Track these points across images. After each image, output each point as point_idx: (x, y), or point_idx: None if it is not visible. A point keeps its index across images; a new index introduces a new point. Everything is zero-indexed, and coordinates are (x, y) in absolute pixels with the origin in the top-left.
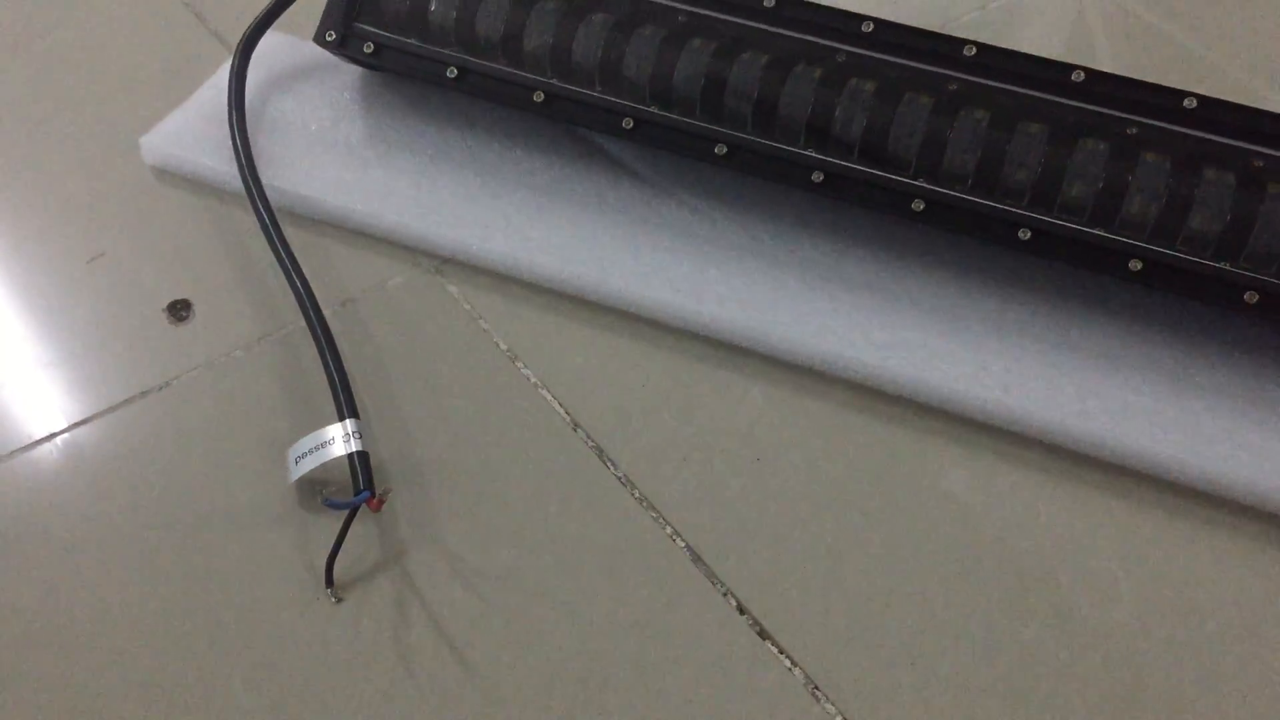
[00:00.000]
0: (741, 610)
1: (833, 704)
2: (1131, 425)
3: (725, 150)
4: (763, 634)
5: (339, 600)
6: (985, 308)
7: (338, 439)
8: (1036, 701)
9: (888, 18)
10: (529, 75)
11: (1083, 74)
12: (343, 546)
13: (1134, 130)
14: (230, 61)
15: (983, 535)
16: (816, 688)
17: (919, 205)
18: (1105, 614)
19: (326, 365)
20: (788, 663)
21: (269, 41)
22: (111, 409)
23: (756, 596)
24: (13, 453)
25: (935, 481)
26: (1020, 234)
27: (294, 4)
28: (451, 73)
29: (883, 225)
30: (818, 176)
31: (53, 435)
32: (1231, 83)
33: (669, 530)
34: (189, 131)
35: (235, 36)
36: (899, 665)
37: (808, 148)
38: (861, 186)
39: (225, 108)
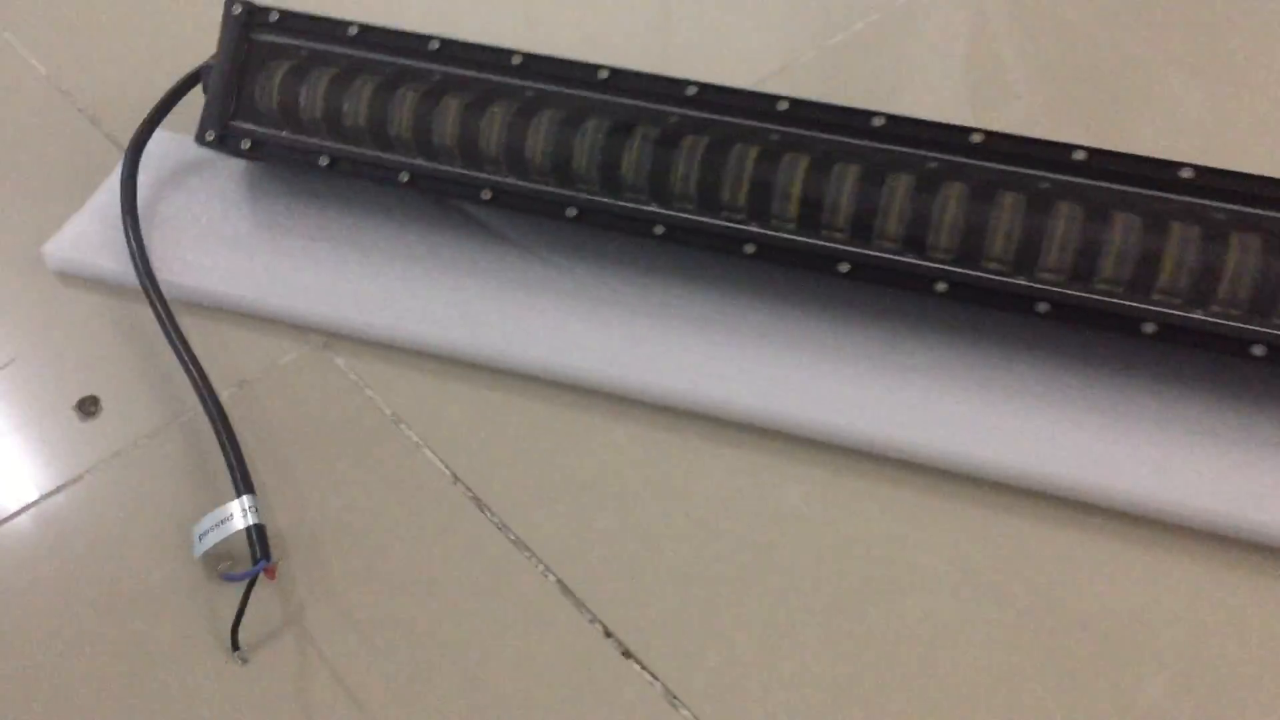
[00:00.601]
0: (607, 634)
1: (688, 709)
2: (946, 431)
3: (576, 212)
4: (626, 653)
5: (245, 662)
6: (821, 335)
7: (236, 514)
8: (870, 688)
9: (707, 79)
10: (394, 157)
11: (883, 119)
12: (246, 611)
13: (933, 164)
14: (119, 170)
15: (822, 545)
16: (675, 697)
17: (750, 248)
18: (929, 601)
19: (223, 445)
20: (649, 677)
21: (158, 139)
22: (31, 504)
23: (620, 620)
24: None
25: (778, 500)
26: (840, 267)
27: (179, 103)
28: (324, 161)
29: (724, 267)
30: (659, 229)
31: None
32: (1037, 126)
33: (541, 568)
34: (88, 236)
35: (128, 137)
36: (749, 670)
37: (649, 204)
38: (699, 235)
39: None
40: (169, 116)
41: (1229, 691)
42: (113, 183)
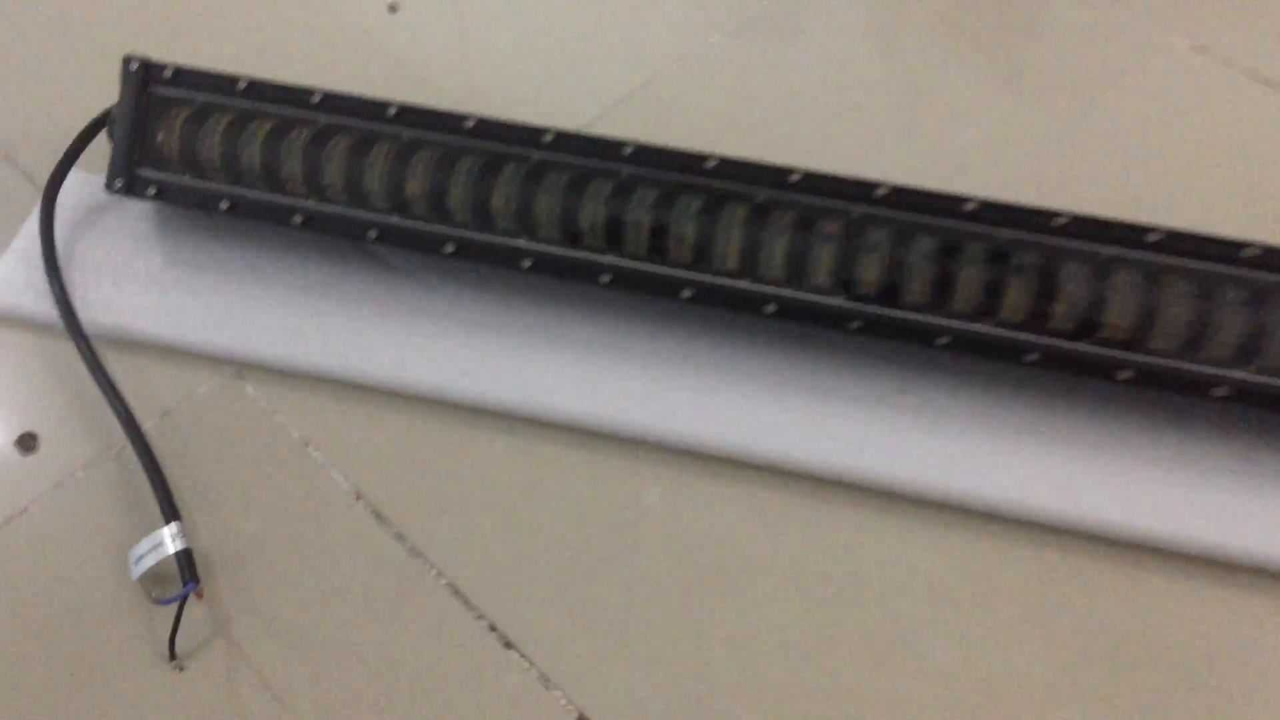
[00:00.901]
0: (492, 628)
1: (560, 690)
2: (775, 435)
3: (453, 248)
4: (507, 644)
5: (182, 669)
6: (670, 353)
7: (166, 540)
8: (717, 664)
9: (559, 127)
10: (288, 200)
11: (716, 160)
12: (180, 626)
13: (761, 199)
14: (36, 210)
15: (675, 539)
16: (548, 680)
17: (607, 278)
18: (758, 585)
19: (150, 476)
20: (526, 664)
21: (72, 180)
22: None
23: (502, 615)
24: None
25: (638, 501)
26: (684, 292)
27: (88, 145)
28: (224, 204)
29: (586, 294)
30: (527, 262)
31: None
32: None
33: (434, 572)
34: (13, 281)
35: (42, 172)
36: (613, 653)
37: (518, 238)
38: (561, 266)
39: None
40: (81, 157)
41: (1006, 651)
42: (31, 226)
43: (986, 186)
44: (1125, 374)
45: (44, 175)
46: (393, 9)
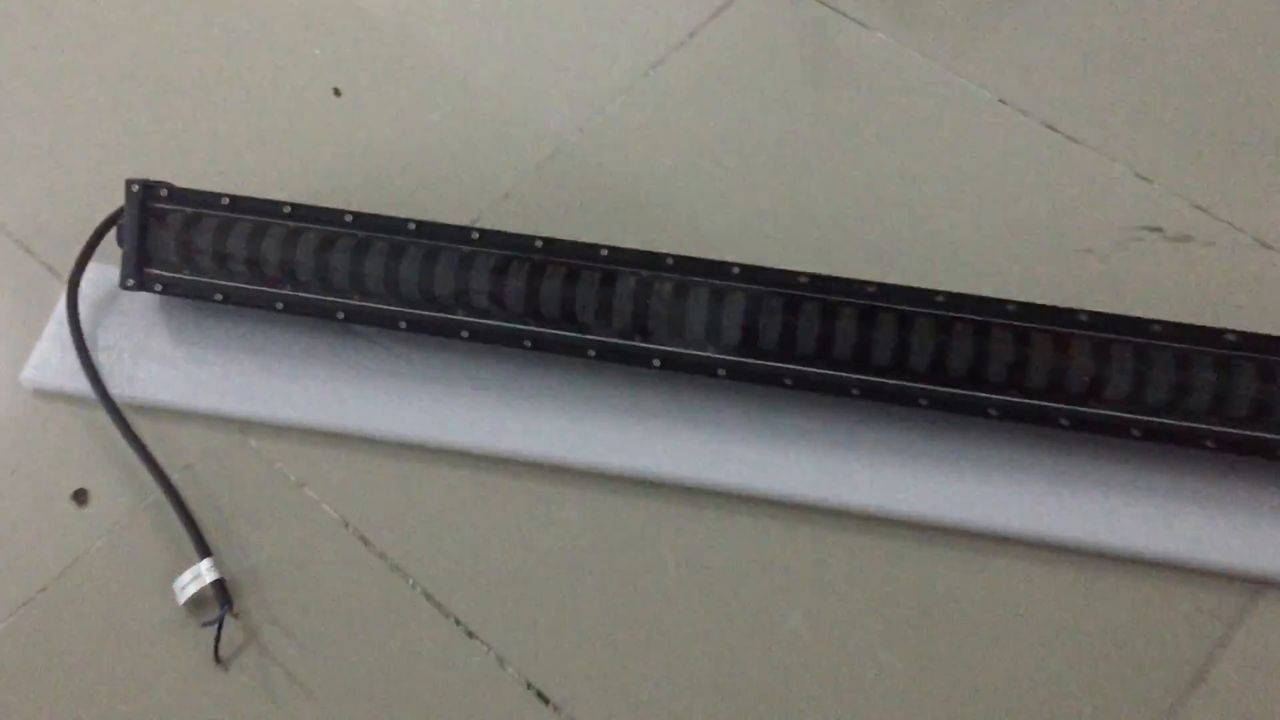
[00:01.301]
0: (458, 623)
1: (514, 669)
2: (664, 457)
3: (405, 325)
4: (470, 635)
5: (226, 670)
6: (580, 396)
7: (203, 572)
8: (629, 636)
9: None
10: (269, 290)
11: (606, 250)
12: (221, 638)
13: (644, 275)
14: (64, 301)
15: (588, 543)
16: (503, 660)
17: (528, 343)
18: (659, 583)
19: (182, 519)
20: (484, 649)
21: (90, 271)
22: (56, 577)
23: (466, 612)
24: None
25: (562, 516)
26: (589, 351)
27: (100, 242)
28: (218, 296)
29: (513, 355)
30: (465, 334)
31: (25, 602)
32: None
33: (410, 581)
34: (51, 362)
35: (59, 263)
36: (551, 636)
37: (456, 312)
38: (492, 334)
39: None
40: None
41: (841, 616)
42: (60, 313)
43: (821, 240)
44: (924, 401)
45: (59, 264)
46: (337, 93)
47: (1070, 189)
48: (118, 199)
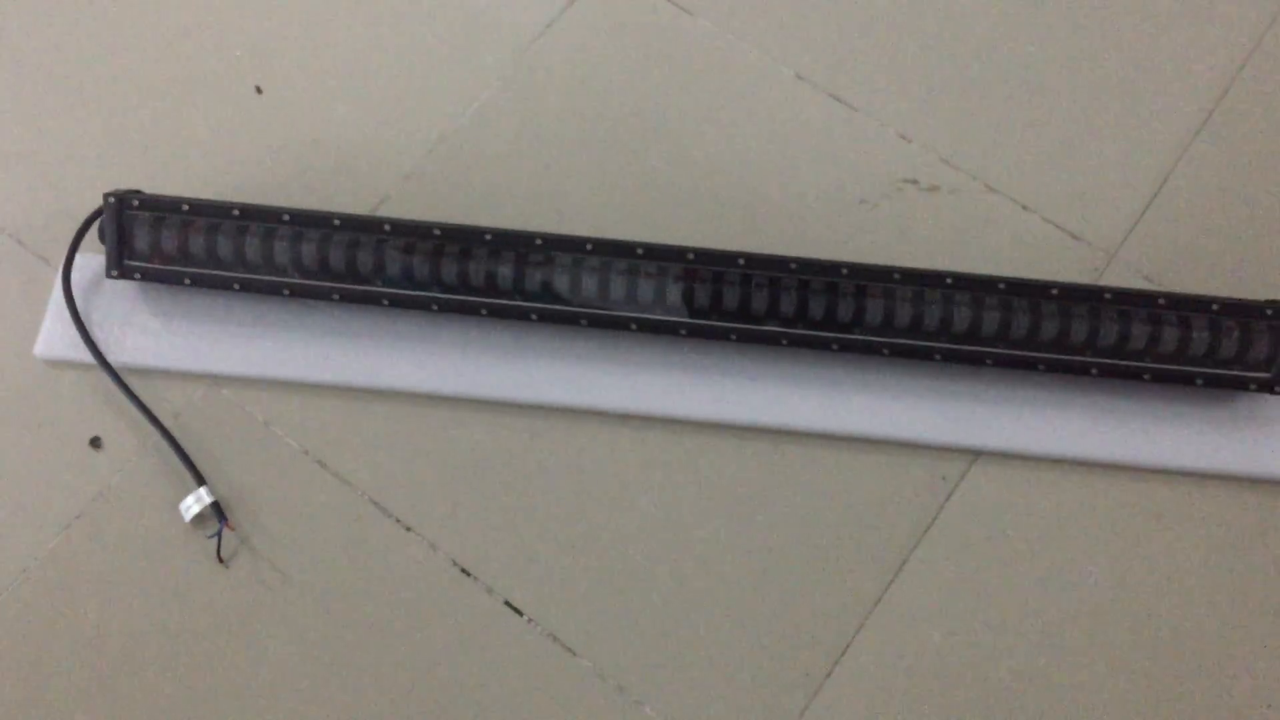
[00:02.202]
0: (397, 521)
1: (443, 552)
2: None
3: (338, 296)
4: (408, 529)
5: (228, 567)
6: (490, 345)
7: (203, 495)
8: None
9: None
10: (226, 273)
11: (490, 235)
12: (222, 542)
13: (523, 250)
14: (58, 285)
15: (495, 454)
16: (434, 546)
17: (434, 307)
18: (546, 482)
19: (180, 456)
20: (419, 539)
21: (81, 260)
22: (91, 501)
23: (403, 511)
24: (46, 552)
25: (463, 434)
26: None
27: (88, 233)
28: (187, 280)
29: (410, 315)
30: (385, 301)
31: (66, 526)
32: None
33: (360, 492)
34: (56, 335)
35: (50, 252)
36: (481, 523)
37: (375, 284)
38: (406, 300)
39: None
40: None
41: (683, 507)
42: (58, 295)
43: (658, 209)
44: (733, 336)
45: (50, 254)
46: (259, 90)
47: (851, 151)
48: (89, 197)
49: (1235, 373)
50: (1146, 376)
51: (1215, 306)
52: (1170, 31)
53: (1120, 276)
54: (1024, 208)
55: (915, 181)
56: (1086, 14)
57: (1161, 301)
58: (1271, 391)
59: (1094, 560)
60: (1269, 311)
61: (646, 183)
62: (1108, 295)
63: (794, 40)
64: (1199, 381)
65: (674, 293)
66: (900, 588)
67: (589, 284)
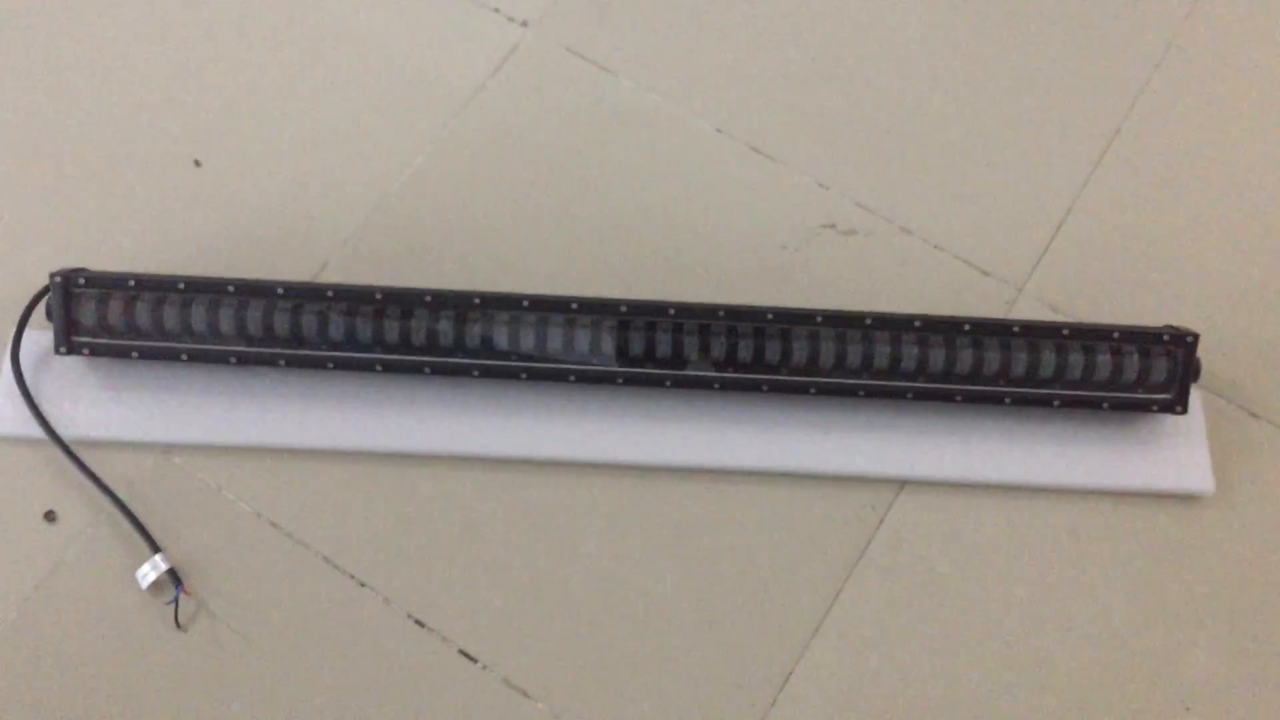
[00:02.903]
0: (351, 576)
1: (398, 605)
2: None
3: (284, 361)
4: (362, 584)
5: (186, 631)
6: (423, 402)
7: (158, 562)
8: (471, 570)
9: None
10: (173, 345)
11: (430, 296)
12: (179, 608)
13: (460, 309)
14: (7, 364)
15: (441, 507)
16: (389, 600)
17: (379, 368)
18: (495, 532)
19: (134, 525)
20: (372, 593)
21: (29, 338)
22: (43, 579)
23: (355, 568)
24: (5, 626)
25: (416, 492)
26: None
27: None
28: (134, 354)
29: (358, 376)
30: (330, 364)
31: (25, 599)
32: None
33: (312, 550)
34: (6, 413)
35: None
36: (433, 575)
37: (320, 349)
38: (350, 362)
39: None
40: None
41: (628, 547)
42: (6, 371)
43: (590, 263)
44: (668, 382)
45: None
46: (197, 164)
47: (771, 199)
48: (35, 276)
49: (1139, 395)
50: (1056, 403)
51: (1116, 334)
52: (1065, 74)
53: (1029, 308)
54: (936, 247)
55: (834, 226)
56: (987, 60)
57: (1065, 332)
58: (1173, 411)
59: (1016, 578)
60: (1166, 337)
61: (578, 238)
62: (1016, 328)
63: (712, 96)
64: (1105, 405)
65: (609, 343)
66: (837, 615)
67: (527, 339)
